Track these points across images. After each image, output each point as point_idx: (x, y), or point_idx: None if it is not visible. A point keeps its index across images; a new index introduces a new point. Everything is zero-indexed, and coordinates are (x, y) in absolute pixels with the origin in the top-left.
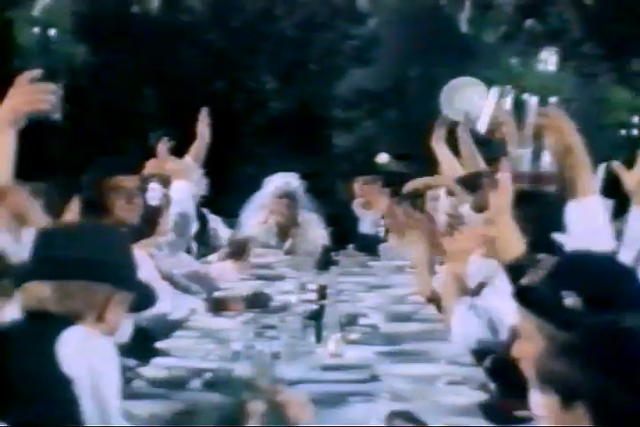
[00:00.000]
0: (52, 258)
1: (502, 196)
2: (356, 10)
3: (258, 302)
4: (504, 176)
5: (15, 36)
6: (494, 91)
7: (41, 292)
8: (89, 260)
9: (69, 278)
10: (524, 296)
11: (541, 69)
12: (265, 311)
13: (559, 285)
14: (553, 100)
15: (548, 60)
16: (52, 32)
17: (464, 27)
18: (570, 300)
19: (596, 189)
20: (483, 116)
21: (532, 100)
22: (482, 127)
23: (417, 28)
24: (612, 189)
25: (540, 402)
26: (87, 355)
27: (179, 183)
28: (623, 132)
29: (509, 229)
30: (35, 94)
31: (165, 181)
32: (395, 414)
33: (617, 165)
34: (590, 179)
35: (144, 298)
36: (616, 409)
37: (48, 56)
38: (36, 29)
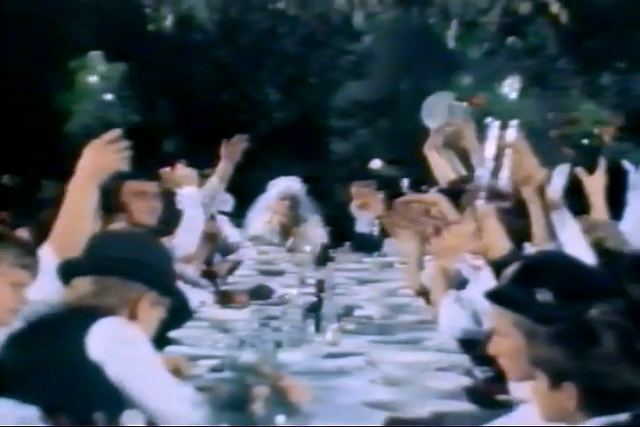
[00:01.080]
0: (98, 256)
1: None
2: (352, 28)
3: (261, 294)
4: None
5: None
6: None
7: (83, 287)
8: (130, 260)
9: (109, 275)
10: (497, 296)
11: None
12: (268, 303)
13: (531, 282)
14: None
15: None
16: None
17: (451, 43)
18: (541, 295)
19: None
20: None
21: (493, 124)
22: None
23: (408, 45)
24: (575, 190)
25: (529, 386)
26: (119, 342)
27: (187, 189)
28: (586, 141)
29: (496, 231)
30: (115, 154)
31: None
32: None
33: (580, 171)
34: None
35: (179, 309)
36: (599, 388)
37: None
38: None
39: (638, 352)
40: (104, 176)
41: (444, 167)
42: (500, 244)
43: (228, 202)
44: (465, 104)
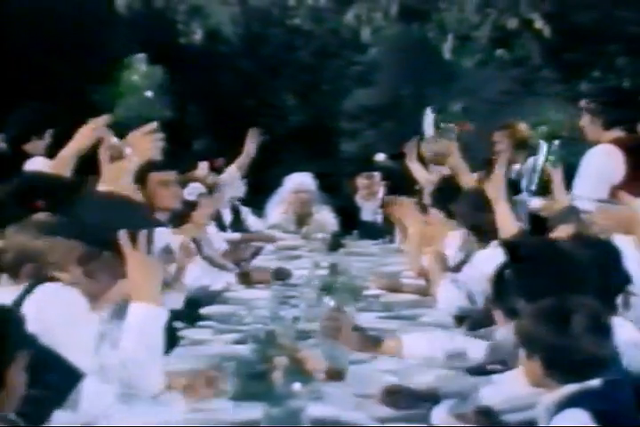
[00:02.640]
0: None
1: (497, 187)
2: (360, 41)
3: (281, 276)
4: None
5: None
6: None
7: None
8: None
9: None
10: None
11: None
12: (287, 284)
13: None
14: None
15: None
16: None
17: (447, 55)
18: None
19: None
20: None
21: None
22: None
23: (409, 56)
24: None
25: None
26: (55, 306)
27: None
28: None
29: (506, 214)
30: (150, 144)
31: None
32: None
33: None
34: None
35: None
36: (569, 359)
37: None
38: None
39: (604, 327)
40: (140, 162)
41: (422, 173)
42: (510, 226)
43: (241, 188)
44: (454, 126)
